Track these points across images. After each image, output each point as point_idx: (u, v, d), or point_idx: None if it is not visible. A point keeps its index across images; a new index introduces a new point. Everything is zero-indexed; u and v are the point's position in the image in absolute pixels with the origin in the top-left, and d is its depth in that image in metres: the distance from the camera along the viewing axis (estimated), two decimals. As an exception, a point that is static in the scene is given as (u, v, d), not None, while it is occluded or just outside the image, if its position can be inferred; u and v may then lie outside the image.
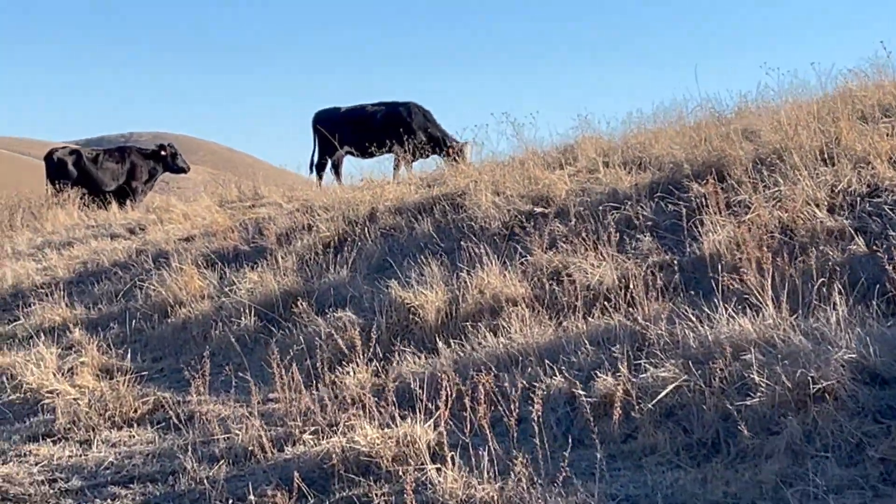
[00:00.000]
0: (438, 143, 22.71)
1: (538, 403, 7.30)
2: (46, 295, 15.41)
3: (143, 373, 11.05)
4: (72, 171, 25.52)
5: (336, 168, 23.54)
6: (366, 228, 14.39)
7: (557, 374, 8.28)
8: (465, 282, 10.73)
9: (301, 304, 11.81)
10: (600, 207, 11.90)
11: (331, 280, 12.71)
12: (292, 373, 9.43)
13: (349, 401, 9.01)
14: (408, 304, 10.69)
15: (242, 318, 12.04)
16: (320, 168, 23.44)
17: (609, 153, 15.63)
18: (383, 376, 9.47)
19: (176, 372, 11.59)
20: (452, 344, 9.61)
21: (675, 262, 10.04)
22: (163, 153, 26.54)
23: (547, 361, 8.66)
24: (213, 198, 21.18)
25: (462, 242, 12.97)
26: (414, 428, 7.95)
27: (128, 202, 25.36)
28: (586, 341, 8.72)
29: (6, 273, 17.19)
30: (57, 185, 24.86)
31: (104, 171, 25.97)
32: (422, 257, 12.86)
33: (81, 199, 24.50)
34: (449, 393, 7.60)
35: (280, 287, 12.58)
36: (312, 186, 22.39)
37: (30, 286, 16.54)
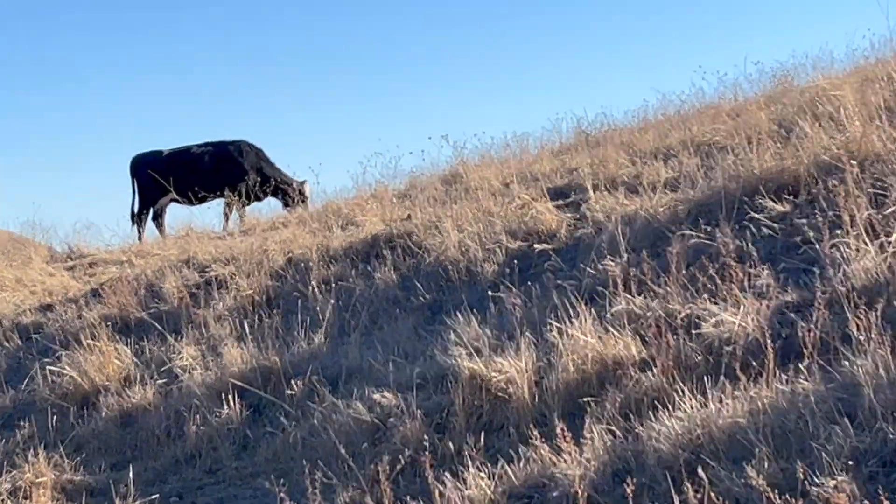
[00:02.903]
0: (274, 183, 19.72)
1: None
2: None
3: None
4: None
5: (158, 217, 20.20)
6: (301, 282, 11.45)
7: (843, 470, 5.60)
8: (553, 343, 7.93)
9: (298, 384, 8.86)
10: (642, 238, 9.35)
11: (307, 349, 9.73)
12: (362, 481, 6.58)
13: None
14: (483, 378, 7.80)
15: (224, 407, 8.93)
16: (141, 218, 20.05)
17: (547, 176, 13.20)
18: (507, 481, 6.66)
19: (151, 485, 8.42)
20: (598, 431, 6.79)
21: (822, 299, 7.47)
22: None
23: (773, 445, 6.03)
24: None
25: (452, 292, 10.26)
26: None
27: None
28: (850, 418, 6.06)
29: None
30: None
31: None
32: (401, 313, 10.13)
33: None
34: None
35: (253, 362, 9.51)
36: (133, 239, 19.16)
37: None
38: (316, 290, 10.95)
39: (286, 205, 19.45)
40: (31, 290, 15.24)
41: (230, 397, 8.95)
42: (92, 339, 10.77)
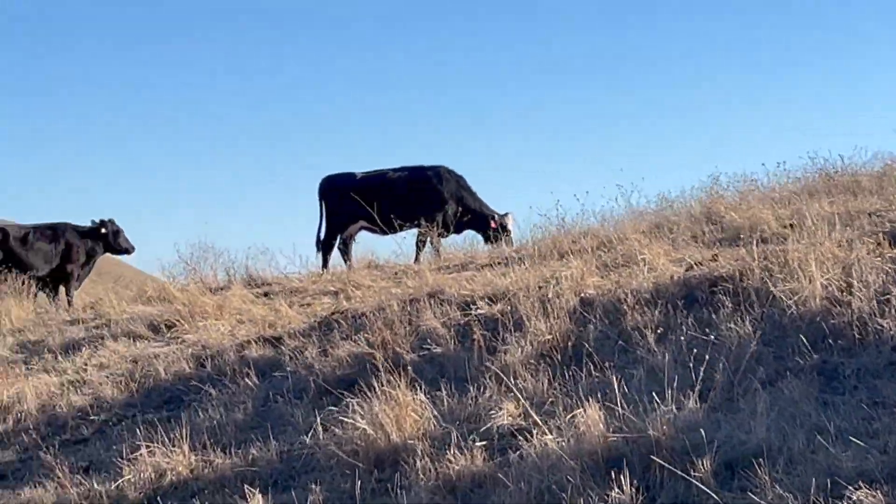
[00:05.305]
0: (475, 214, 17.56)
1: None
2: (109, 426, 9.98)
3: None
4: (-6, 252, 19.29)
5: (345, 246, 17.97)
6: (614, 328, 9.26)
7: None
8: None
9: (704, 464, 6.64)
10: None
11: (678, 416, 7.44)
12: None
13: None
14: None
15: (612, 487, 6.69)
16: (328, 246, 17.84)
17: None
18: None
19: None
20: None
21: None
22: (103, 230, 20.36)
23: None
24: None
25: (844, 354, 8.02)
26: None
27: (62, 289, 19.48)
28: None
29: (25, 391, 11.30)
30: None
31: (35, 253, 19.74)
32: (787, 377, 7.87)
33: (24, 285, 18.29)
34: None
35: (619, 429, 7.26)
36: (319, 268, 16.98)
37: (70, 412, 10.82)
38: (650, 340, 8.74)
39: (487, 240, 17.27)
40: (238, 319, 13.13)
41: (621, 476, 6.69)
42: (387, 385, 8.53)
